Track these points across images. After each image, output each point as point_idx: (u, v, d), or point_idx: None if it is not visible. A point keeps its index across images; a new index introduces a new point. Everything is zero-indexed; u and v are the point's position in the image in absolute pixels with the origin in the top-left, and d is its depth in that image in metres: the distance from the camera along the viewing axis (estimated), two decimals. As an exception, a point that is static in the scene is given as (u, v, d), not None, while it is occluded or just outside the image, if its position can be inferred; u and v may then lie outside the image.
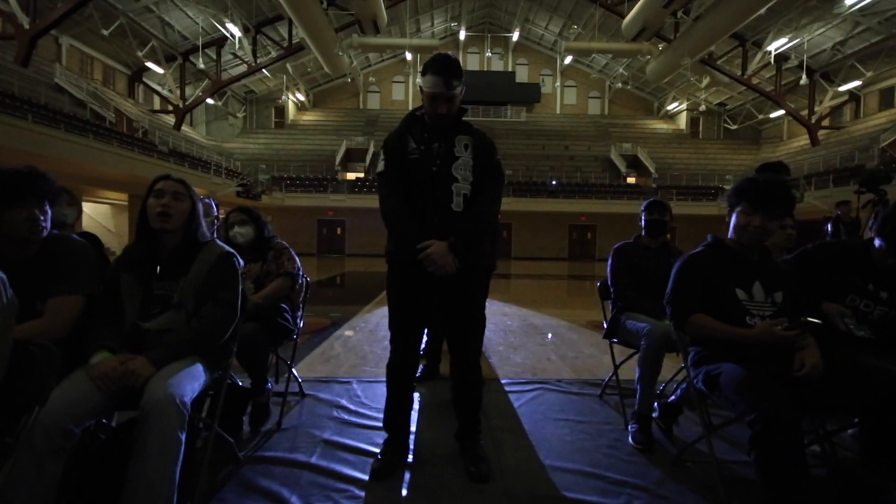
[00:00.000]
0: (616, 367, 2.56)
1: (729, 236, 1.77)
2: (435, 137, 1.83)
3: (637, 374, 2.21)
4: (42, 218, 1.46)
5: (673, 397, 2.27)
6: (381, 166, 1.87)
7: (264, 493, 1.66)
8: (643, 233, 2.61)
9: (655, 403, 2.26)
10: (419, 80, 1.81)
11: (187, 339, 1.51)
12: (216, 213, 2.90)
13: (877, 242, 1.72)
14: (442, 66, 1.74)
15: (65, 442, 1.24)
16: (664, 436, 2.21)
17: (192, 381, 1.44)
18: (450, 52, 1.89)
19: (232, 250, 1.70)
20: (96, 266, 1.59)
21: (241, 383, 2.33)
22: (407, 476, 1.81)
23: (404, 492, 1.71)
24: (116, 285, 1.58)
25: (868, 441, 1.43)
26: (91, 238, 2.01)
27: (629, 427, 2.21)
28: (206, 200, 2.67)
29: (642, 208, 2.61)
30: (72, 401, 1.27)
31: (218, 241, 1.71)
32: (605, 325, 2.57)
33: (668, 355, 2.19)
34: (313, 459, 1.91)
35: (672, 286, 1.76)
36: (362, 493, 1.68)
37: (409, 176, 1.82)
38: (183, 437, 1.31)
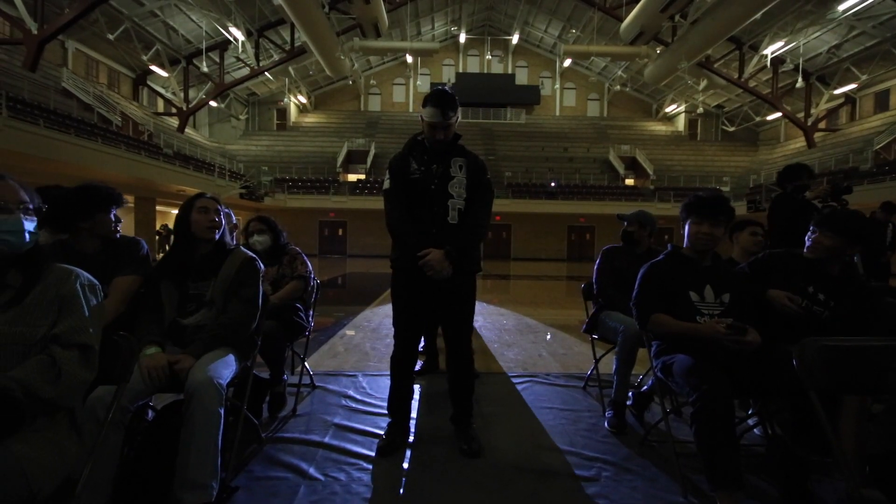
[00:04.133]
0: (596, 361, 2.84)
1: (685, 245, 2.05)
2: (434, 159, 2.11)
3: (614, 366, 2.48)
4: (120, 221, 1.95)
5: (645, 387, 2.55)
6: (386, 184, 2.15)
7: (286, 465, 1.94)
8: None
9: (630, 393, 2.54)
10: (421, 112, 2.09)
11: (218, 333, 1.79)
12: (234, 222, 3.18)
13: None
14: (439, 100, 2.03)
15: (122, 416, 1.51)
16: (636, 421, 2.49)
17: (226, 367, 1.72)
18: (446, 87, 2.17)
19: (254, 256, 1.99)
20: (147, 256, 2.01)
21: (259, 375, 2.61)
22: (408, 453, 2.09)
23: (406, 465, 1.99)
24: (158, 286, 1.87)
25: (795, 419, 1.70)
26: None
27: (605, 413, 2.49)
28: (226, 210, 2.96)
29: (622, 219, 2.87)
30: (130, 387, 1.54)
31: (242, 248, 2.01)
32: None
33: (643, 350, 2.45)
34: (326, 439, 2.19)
35: (636, 290, 2.05)
36: (370, 466, 1.96)
37: (411, 193, 2.10)
38: (222, 412, 1.58)
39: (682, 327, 1.84)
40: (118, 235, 2.00)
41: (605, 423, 2.41)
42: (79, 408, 1.18)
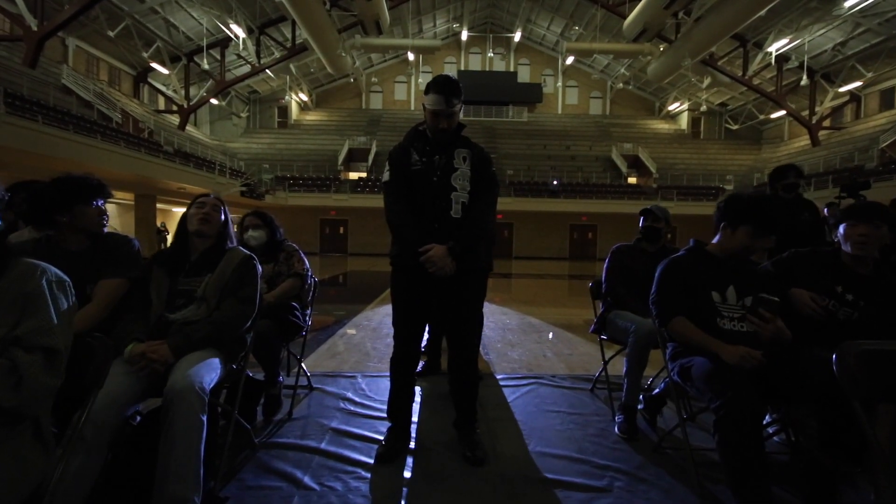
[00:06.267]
0: (605, 363, 2.73)
1: (717, 243, 1.91)
2: (436, 150, 2.00)
3: (624, 369, 2.37)
4: (106, 214, 1.80)
5: (657, 390, 2.44)
6: (386, 176, 2.04)
7: (279, 474, 1.84)
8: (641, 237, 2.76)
9: (641, 396, 2.42)
10: (424, 100, 1.98)
11: (207, 329, 1.69)
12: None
13: (845, 248, 1.87)
14: (443, 86, 1.91)
15: (110, 434, 1.40)
16: (648, 426, 2.37)
17: (210, 370, 1.59)
18: (450, 69, 2.06)
19: (252, 255, 1.89)
20: (138, 257, 1.87)
21: (254, 376, 2.50)
22: (409, 460, 1.98)
23: (407, 474, 1.88)
24: (148, 281, 1.77)
25: (823, 427, 1.59)
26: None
27: (616, 418, 2.38)
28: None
29: (640, 214, 2.74)
30: (115, 397, 1.42)
31: (241, 248, 1.91)
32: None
33: (654, 351, 2.34)
34: (323, 445, 2.08)
35: (656, 287, 1.92)
36: (368, 475, 1.85)
37: (413, 185, 1.99)
38: (205, 419, 1.46)
39: (705, 342, 1.71)
40: (105, 230, 1.86)
41: (616, 429, 2.30)
42: (44, 417, 1.07)
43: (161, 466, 1.40)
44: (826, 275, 1.85)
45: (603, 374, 2.75)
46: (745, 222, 1.81)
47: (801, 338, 1.76)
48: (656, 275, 1.94)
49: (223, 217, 1.90)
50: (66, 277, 1.11)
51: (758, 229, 1.78)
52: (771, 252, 2.76)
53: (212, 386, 1.58)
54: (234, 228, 3.02)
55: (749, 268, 1.90)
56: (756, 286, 1.83)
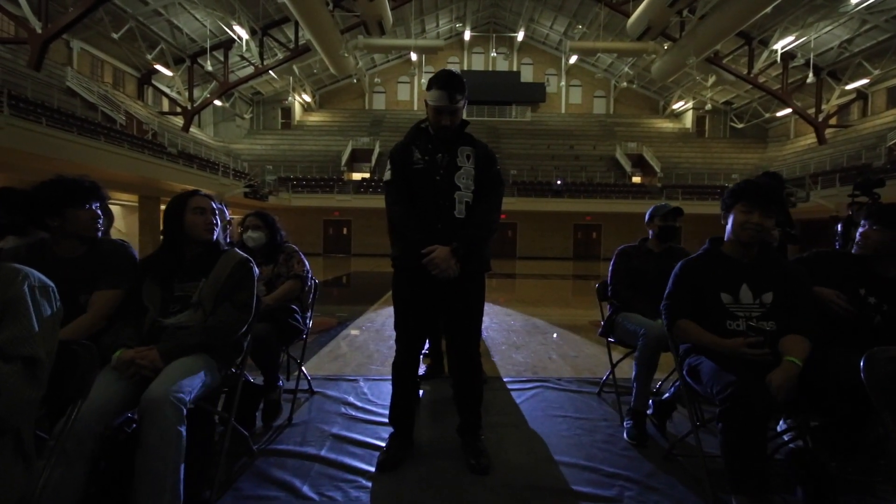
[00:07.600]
0: (613, 366, 2.66)
1: (727, 237, 1.85)
2: (439, 148, 1.93)
3: (633, 373, 2.30)
4: (100, 218, 1.72)
5: (667, 395, 2.36)
6: (387, 175, 1.98)
7: (277, 483, 1.78)
8: (650, 236, 2.68)
9: (650, 401, 2.36)
10: (426, 96, 1.92)
11: (200, 335, 1.63)
12: (228, 218, 3.02)
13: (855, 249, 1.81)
14: (446, 82, 1.85)
15: (94, 445, 1.34)
16: (658, 432, 2.30)
17: (192, 379, 1.50)
18: (453, 68, 2.00)
19: (248, 257, 1.83)
20: (135, 265, 1.79)
21: (253, 381, 2.44)
22: (411, 468, 1.92)
23: (409, 483, 1.81)
24: (139, 288, 1.71)
25: (830, 430, 1.53)
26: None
27: (624, 423, 2.31)
28: (219, 206, 2.80)
29: (658, 214, 2.61)
30: (101, 406, 1.36)
31: (236, 249, 1.85)
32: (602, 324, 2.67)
33: (664, 354, 2.27)
34: (323, 452, 2.03)
35: (668, 289, 1.87)
36: (369, 484, 1.79)
37: (415, 185, 1.92)
38: (183, 430, 1.39)
39: (706, 339, 1.67)
40: (99, 234, 1.78)
41: (625, 434, 2.23)
42: (26, 430, 1.02)
43: (136, 479, 1.34)
44: (849, 277, 1.78)
45: (610, 377, 2.68)
46: (736, 201, 1.77)
47: (830, 339, 1.68)
48: (671, 276, 1.89)
49: (219, 221, 1.84)
50: (49, 283, 1.06)
51: (748, 203, 1.73)
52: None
53: (195, 395, 1.49)
54: (236, 228, 2.99)
55: (775, 262, 1.81)
56: (778, 280, 1.74)
